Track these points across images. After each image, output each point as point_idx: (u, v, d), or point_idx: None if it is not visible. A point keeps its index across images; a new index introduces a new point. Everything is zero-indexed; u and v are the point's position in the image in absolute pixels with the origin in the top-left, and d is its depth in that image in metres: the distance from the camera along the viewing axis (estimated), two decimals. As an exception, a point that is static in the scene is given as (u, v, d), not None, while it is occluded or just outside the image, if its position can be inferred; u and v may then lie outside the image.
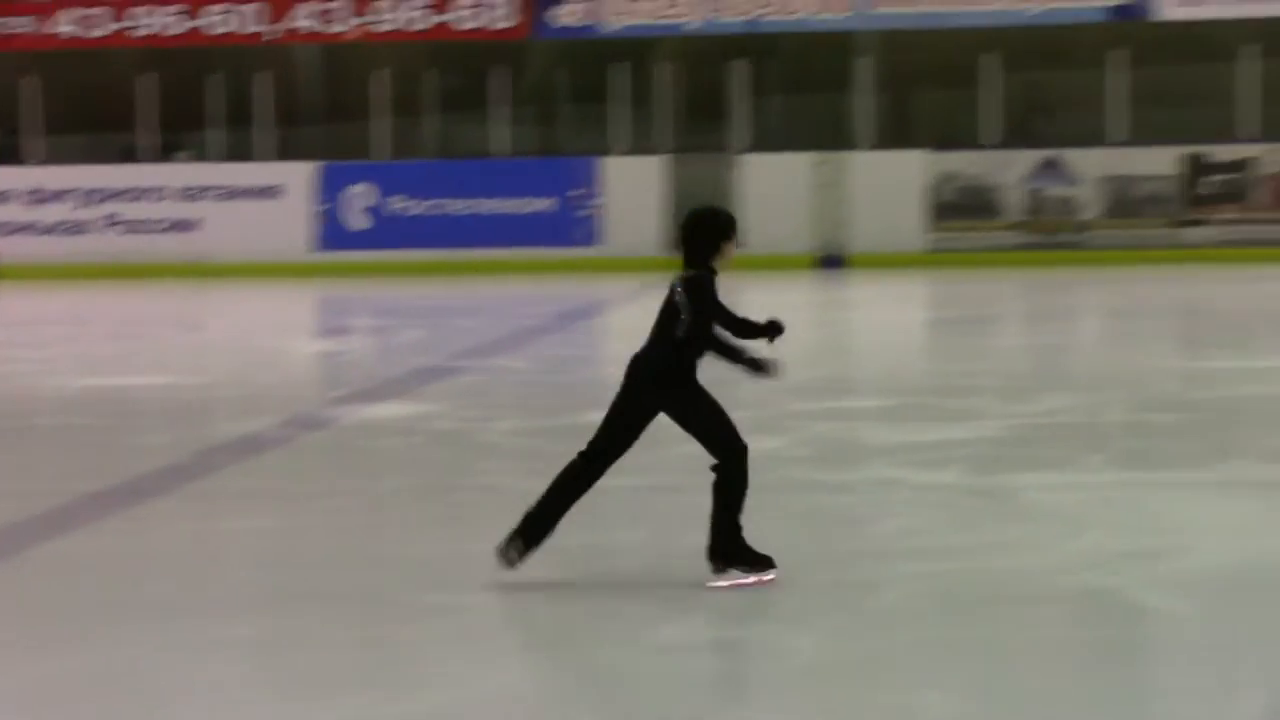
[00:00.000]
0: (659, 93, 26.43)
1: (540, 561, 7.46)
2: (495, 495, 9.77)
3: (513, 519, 7.49)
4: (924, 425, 9.88)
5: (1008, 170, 24.58)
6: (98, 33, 26.49)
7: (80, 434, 12.39)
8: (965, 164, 24.78)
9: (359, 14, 25.97)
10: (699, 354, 7.44)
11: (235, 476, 10.71)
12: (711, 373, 7.37)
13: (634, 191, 25.11)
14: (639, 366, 7.52)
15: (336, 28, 26.11)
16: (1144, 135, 24.91)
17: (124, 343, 18.90)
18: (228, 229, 25.42)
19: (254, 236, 25.25)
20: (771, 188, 24.64)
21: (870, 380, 14.04)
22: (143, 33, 26.45)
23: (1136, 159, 24.52)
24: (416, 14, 25.81)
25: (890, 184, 24.40)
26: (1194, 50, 26.09)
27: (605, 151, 25.88)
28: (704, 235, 7.53)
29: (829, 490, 9.52)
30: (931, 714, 5.88)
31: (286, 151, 26.63)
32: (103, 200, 25.92)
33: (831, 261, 24.32)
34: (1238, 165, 24.34)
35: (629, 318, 20.50)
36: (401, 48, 26.58)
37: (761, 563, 7.44)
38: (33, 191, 26.04)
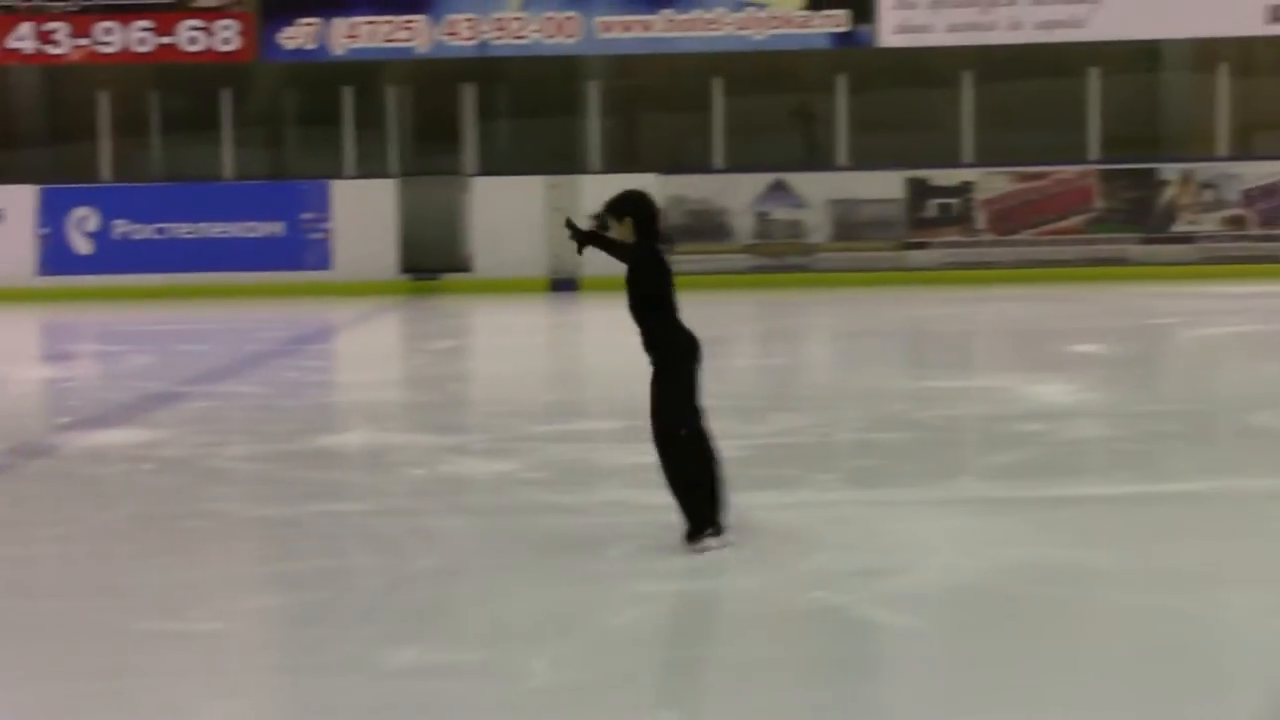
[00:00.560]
0: (389, 116, 26.33)
1: (272, 588, 7.38)
2: (225, 522, 9.66)
3: (242, 545, 7.40)
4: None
5: (736, 193, 24.87)
6: None
7: None
8: (694, 187, 25.02)
9: (81, 35, 25.50)
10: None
11: (-44, 507, 10.45)
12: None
13: (365, 215, 24.96)
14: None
15: (57, 49, 25.61)
16: (869, 159, 25.37)
17: None
18: (-54, 254, 24.79)
19: (-27, 261, 24.66)
20: (503, 211, 24.67)
21: (604, 402, 14.11)
22: None
23: (862, 183, 24.96)
24: (141, 35, 25.41)
25: (621, 207, 24.50)
26: (915, 77, 26.65)
27: (335, 175, 25.70)
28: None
29: (564, 512, 9.55)
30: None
31: (7, 175, 26.04)
32: None
33: (564, 285, 24.40)
34: (958, 190, 24.89)
35: (360, 341, 20.38)
36: (125, 69, 26.15)
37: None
38: None
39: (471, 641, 7.11)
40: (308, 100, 27.36)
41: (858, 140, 25.53)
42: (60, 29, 25.53)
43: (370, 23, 25.36)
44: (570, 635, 7.11)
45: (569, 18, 25.24)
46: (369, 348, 19.75)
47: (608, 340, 20.20)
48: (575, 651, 6.90)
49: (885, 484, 10.31)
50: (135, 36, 25.44)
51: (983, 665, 6.67)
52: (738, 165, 25.48)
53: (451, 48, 25.39)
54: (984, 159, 25.31)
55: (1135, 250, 24.67)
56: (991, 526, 9.02)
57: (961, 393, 14.28)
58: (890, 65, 26.15)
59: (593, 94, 26.04)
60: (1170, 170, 24.90)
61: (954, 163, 25.27)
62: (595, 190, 24.78)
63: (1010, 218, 24.73)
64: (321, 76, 26.19)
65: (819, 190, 24.83)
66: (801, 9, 25.12)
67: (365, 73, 26.10)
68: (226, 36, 25.38)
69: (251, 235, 25.00)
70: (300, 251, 24.94)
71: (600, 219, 8.72)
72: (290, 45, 25.45)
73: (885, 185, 24.79)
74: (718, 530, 8.43)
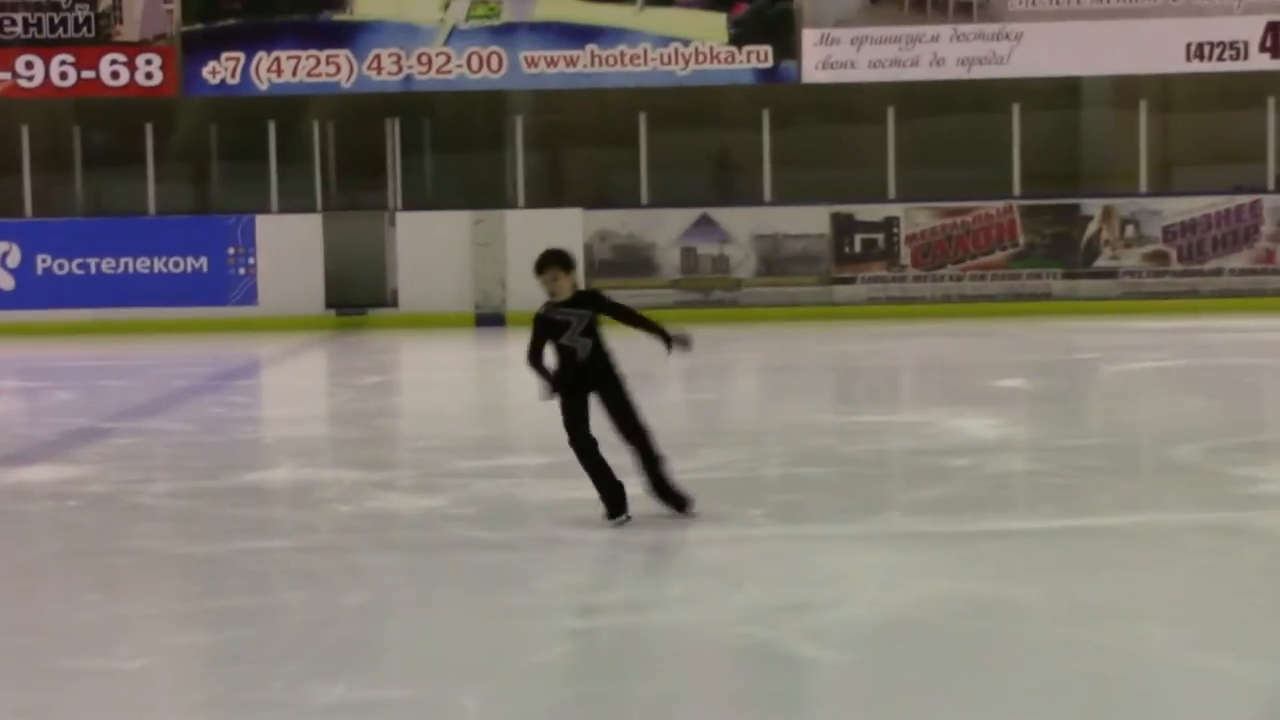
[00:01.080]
0: (314, 150, 26.29)
1: (198, 624, 7.34)
2: (150, 558, 9.62)
3: (168, 582, 7.36)
4: (583, 482, 9.96)
5: (662, 228, 24.94)
6: None
7: None
8: (620, 222, 25.07)
9: (2, 69, 25.36)
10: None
11: (-124, 544, 10.35)
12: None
13: (290, 250, 24.92)
14: None
15: (-21, 82, 25.45)
16: (793, 195, 25.49)
17: None
18: None
19: (-106, 298, 24.48)
20: (428, 245, 24.67)
21: (530, 438, 14.10)
22: None
23: (787, 218, 25.07)
24: (63, 69, 25.30)
25: (547, 242, 24.45)
26: (838, 113, 26.81)
27: (260, 209, 25.64)
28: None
29: (491, 548, 9.54)
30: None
31: (-72, 209, 25.89)
32: None
33: (490, 320, 24.40)
34: (882, 225, 25.03)
35: (286, 376, 20.32)
36: (47, 104, 26.03)
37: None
38: None
39: (400, 678, 7.09)
40: (231, 134, 27.31)
41: (782, 175, 25.66)
42: (-19, 63, 25.38)
43: (294, 57, 25.35)
44: (499, 671, 7.10)
45: (494, 52, 25.28)
46: (295, 383, 19.69)
47: (533, 376, 20.19)
48: (504, 688, 6.90)
49: (812, 519, 10.35)
50: (57, 70, 25.33)
51: (910, 699, 6.71)
52: (663, 200, 25.55)
53: (376, 82, 25.39)
54: (908, 194, 25.48)
55: (1058, 285, 24.88)
56: (918, 560, 9.06)
57: (887, 427, 14.34)
58: (814, 101, 26.30)
59: (518, 128, 26.08)
60: (1092, 205, 25.12)
61: (878, 198, 25.42)
62: (520, 224, 24.84)
63: (934, 253, 24.89)
64: (245, 111, 26.14)
65: (744, 225, 24.93)
66: (725, 45, 25.25)
67: (289, 107, 26.07)
68: (149, 71, 25.31)
69: (176, 270, 24.91)
70: (225, 287, 24.86)
71: (548, 387, 10.09)
72: (213, 80, 25.40)
73: (810, 220, 24.92)
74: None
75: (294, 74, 25.37)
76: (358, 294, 25.09)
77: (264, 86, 25.40)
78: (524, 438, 14.41)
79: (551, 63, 25.34)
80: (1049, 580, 8.58)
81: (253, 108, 25.92)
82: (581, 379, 9.99)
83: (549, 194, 26.50)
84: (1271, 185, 25.49)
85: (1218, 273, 24.98)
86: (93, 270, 24.95)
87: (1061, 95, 27.02)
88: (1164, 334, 21.61)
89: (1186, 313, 23.85)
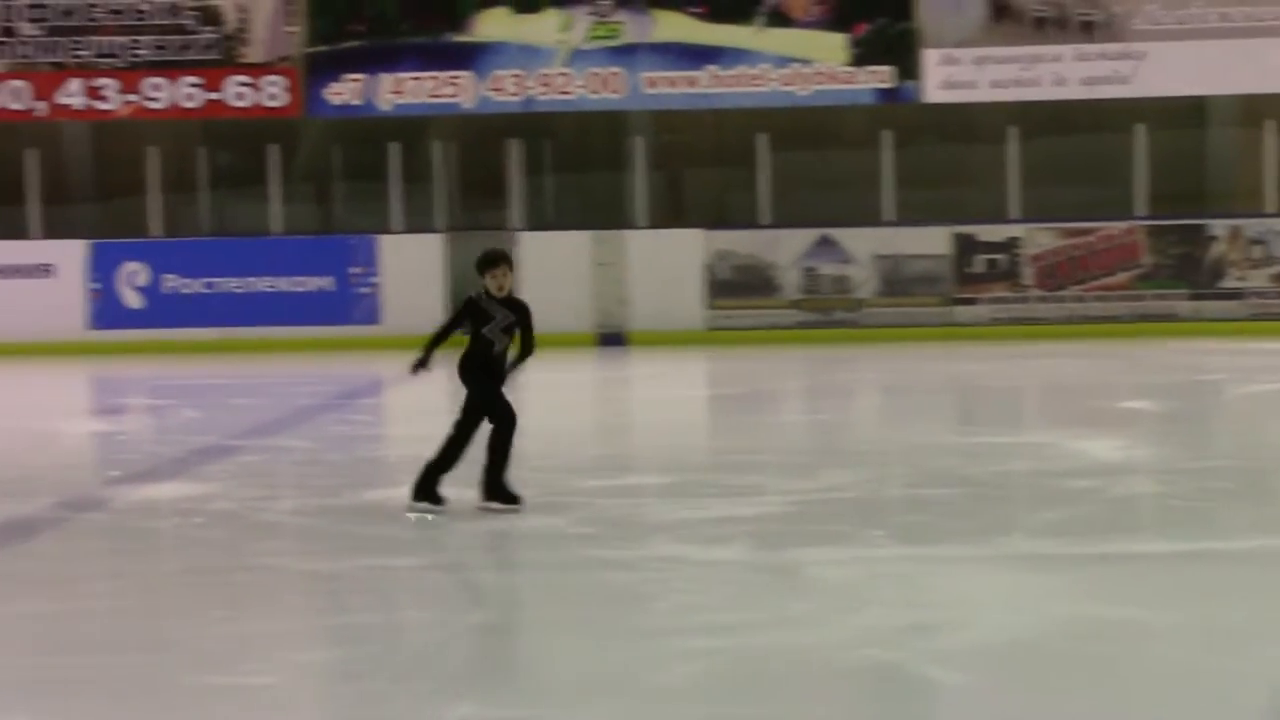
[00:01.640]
0: (435, 171, 26.44)
1: (323, 641, 7.39)
2: (275, 575, 9.69)
3: (293, 599, 7.41)
4: (706, 501, 9.95)
5: (782, 249, 24.89)
6: None
7: None
8: (740, 243, 25.04)
9: (129, 91, 25.68)
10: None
11: (6, 560, 10.49)
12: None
13: (412, 269, 25.05)
14: None
15: (106, 105, 25.79)
16: (915, 215, 25.38)
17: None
18: (-1, 309, 24.93)
19: (26, 316, 24.80)
20: (550, 266, 24.71)
21: (652, 457, 14.11)
22: (-93, 108, 25.94)
23: (908, 238, 24.96)
24: (189, 91, 25.59)
25: (668, 262, 24.61)
26: (960, 132, 26.68)
27: (382, 229, 25.81)
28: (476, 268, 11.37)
29: (612, 567, 9.54)
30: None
31: (58, 230, 26.21)
32: None
33: (612, 339, 24.44)
34: (1005, 245, 24.86)
35: (408, 396, 20.40)
36: (173, 125, 26.32)
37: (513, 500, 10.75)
38: None
39: (524, 698, 7.10)
40: (354, 155, 27.50)
41: (904, 195, 25.57)
42: (109, 85, 25.72)
43: (416, 79, 25.50)
44: (622, 692, 7.10)
45: (614, 73, 25.35)
46: (417, 402, 19.77)
47: (655, 395, 20.22)
48: (626, 708, 6.89)
49: (935, 540, 10.28)
50: (183, 92, 25.62)
51: (1036, 722, 6.65)
52: (784, 220, 25.52)
53: (497, 103, 25.51)
54: (1030, 214, 25.30)
55: (1183, 306, 24.60)
56: (1042, 583, 8.99)
57: (1010, 449, 14.24)
58: (934, 121, 26.18)
59: (638, 149, 26.12)
60: (1218, 226, 24.84)
61: (1000, 218, 25.26)
62: (641, 245, 24.87)
63: (1057, 273, 24.70)
64: (368, 132, 26.33)
65: (866, 245, 24.83)
66: (845, 65, 25.19)
67: (411, 128, 26.23)
68: (273, 92, 25.54)
69: (300, 290, 25.10)
70: (348, 306, 25.04)
71: (422, 362, 11.08)
72: (336, 101, 25.60)
73: (932, 240, 24.79)
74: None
75: (416, 95, 25.54)
76: (479, 314, 25.16)
77: (386, 107, 25.57)
78: (646, 457, 14.42)
79: (672, 83, 25.36)
80: (1178, 604, 8.48)
81: (375, 128, 26.11)
82: (488, 370, 11.03)
83: (669, 214, 26.52)
84: (1402, 204, 25.13)
85: (1347, 293, 24.64)
86: (218, 290, 25.21)
87: (1186, 115, 26.74)
88: (1291, 355, 21.36)
89: (1314, 334, 23.54)
